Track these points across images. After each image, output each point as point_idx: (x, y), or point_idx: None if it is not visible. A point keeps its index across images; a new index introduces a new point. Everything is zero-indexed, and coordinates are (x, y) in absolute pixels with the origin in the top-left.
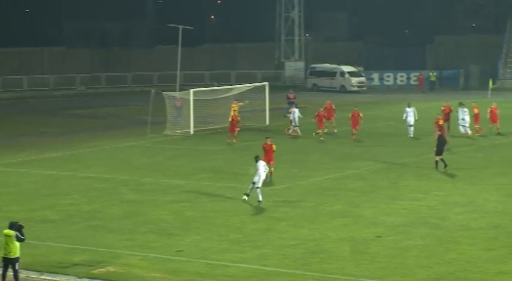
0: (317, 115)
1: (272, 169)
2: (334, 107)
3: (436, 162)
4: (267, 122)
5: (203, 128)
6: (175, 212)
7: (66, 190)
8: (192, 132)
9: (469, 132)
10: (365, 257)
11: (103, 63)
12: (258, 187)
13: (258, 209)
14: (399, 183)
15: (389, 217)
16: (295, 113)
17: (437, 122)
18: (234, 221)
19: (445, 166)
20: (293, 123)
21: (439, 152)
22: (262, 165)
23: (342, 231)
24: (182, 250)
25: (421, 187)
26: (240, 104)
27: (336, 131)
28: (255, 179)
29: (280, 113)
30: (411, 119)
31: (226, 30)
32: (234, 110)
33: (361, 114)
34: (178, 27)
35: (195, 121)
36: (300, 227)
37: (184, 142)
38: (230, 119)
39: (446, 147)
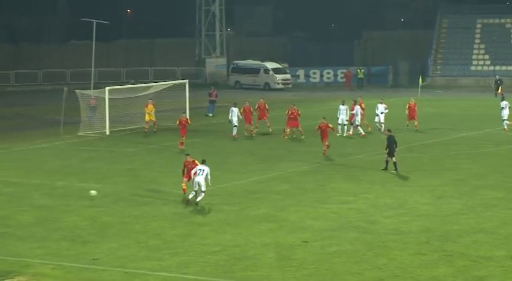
0: (243, 111)
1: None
2: (267, 107)
3: (387, 162)
4: (188, 122)
5: (120, 129)
6: (90, 217)
7: None
8: (108, 132)
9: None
10: (291, 263)
11: (11, 59)
12: (203, 191)
13: (178, 215)
14: (327, 185)
15: (316, 221)
16: (234, 112)
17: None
18: (153, 226)
19: (395, 168)
20: (233, 124)
21: (391, 153)
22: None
23: (266, 236)
24: (98, 258)
25: (350, 189)
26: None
27: (271, 130)
28: (196, 188)
29: (201, 112)
30: (344, 118)
31: (143, 24)
32: (149, 113)
33: (299, 112)
34: (92, 22)
35: (111, 121)
36: (223, 232)
37: (100, 143)
38: (178, 122)
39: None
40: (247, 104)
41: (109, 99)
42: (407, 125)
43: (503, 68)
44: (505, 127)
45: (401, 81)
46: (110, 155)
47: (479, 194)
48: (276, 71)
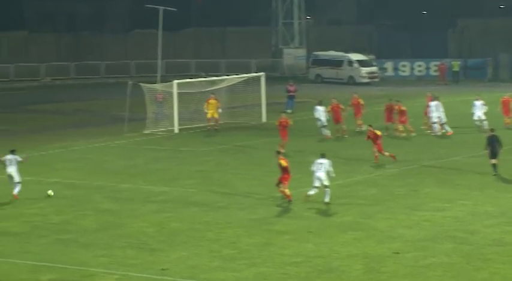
0: (331, 109)
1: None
2: (362, 103)
3: (494, 165)
4: (264, 119)
5: (189, 126)
6: (158, 223)
7: (31, 198)
8: (176, 130)
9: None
10: (380, 277)
11: (71, 50)
12: (326, 186)
13: (255, 221)
14: (419, 190)
15: (408, 230)
16: (319, 111)
17: None
18: (227, 234)
19: (494, 171)
20: (320, 123)
21: (493, 154)
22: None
23: (353, 246)
24: (167, 269)
25: (445, 195)
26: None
27: (363, 128)
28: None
29: (279, 108)
30: (480, 115)
31: (214, 11)
32: (210, 110)
33: (402, 108)
34: (158, 9)
35: (179, 118)
36: (304, 241)
37: (168, 142)
38: (278, 124)
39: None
40: (334, 101)
41: (178, 93)
42: (507, 123)
43: None
44: None
45: (502, 76)
46: (179, 155)
47: None
48: (361, 63)
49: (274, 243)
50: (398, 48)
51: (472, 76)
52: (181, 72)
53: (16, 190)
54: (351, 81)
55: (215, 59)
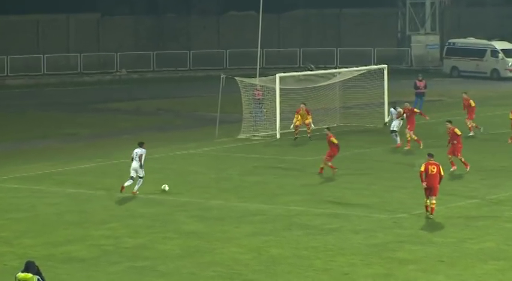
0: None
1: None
2: (473, 104)
3: None
4: (387, 121)
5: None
6: (254, 249)
7: (101, 217)
8: (278, 135)
9: None
10: None
11: (152, 37)
12: None
13: (374, 247)
14: None
15: None
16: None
17: None
18: (339, 263)
19: None
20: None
21: None
22: None
23: (495, 279)
24: None
25: None
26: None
27: (481, 130)
28: None
29: None
30: None
31: None
32: (298, 120)
33: None
34: None
35: (283, 120)
36: (435, 273)
37: (268, 150)
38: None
39: None
40: (407, 105)
41: (281, 90)
42: None
43: None
44: None
45: None
46: (281, 165)
47: None
48: (509, 53)
49: (397, 274)
50: None
51: None
52: (286, 63)
53: (136, 187)
54: (495, 76)
55: (327, 48)
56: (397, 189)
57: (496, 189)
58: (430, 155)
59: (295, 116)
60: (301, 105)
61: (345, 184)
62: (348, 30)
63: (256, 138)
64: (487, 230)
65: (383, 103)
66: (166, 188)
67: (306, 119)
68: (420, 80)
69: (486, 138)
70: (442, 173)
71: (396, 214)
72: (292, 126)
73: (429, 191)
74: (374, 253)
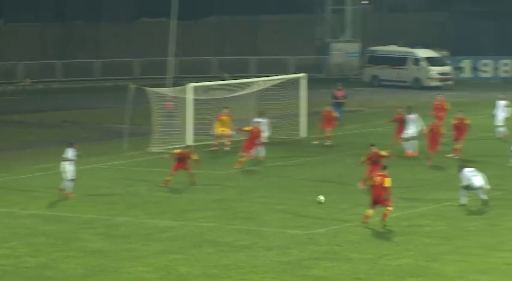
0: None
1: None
2: (446, 108)
3: None
4: (303, 134)
5: (207, 143)
6: (162, 267)
7: (1, 235)
8: None
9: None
10: None
11: (59, 45)
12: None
13: (287, 264)
14: (499, 225)
15: (484, 275)
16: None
17: None
18: None
19: None
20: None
21: None
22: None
23: None
24: None
25: None
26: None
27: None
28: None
29: None
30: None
31: None
32: (222, 128)
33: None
34: None
35: (195, 132)
36: None
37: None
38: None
39: None
40: (399, 110)
41: (194, 101)
42: None
43: None
44: None
45: None
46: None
47: None
48: (431, 61)
49: None
50: (480, 42)
51: None
52: (200, 73)
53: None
54: (417, 85)
55: (243, 56)
56: (313, 204)
57: (415, 203)
58: (384, 167)
59: (216, 122)
60: (224, 109)
61: (258, 199)
62: (264, 37)
63: (166, 151)
64: (405, 245)
65: (300, 114)
66: (322, 198)
67: (227, 127)
68: (339, 90)
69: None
70: (387, 185)
71: (311, 230)
72: (213, 134)
73: (375, 203)
74: (288, 271)
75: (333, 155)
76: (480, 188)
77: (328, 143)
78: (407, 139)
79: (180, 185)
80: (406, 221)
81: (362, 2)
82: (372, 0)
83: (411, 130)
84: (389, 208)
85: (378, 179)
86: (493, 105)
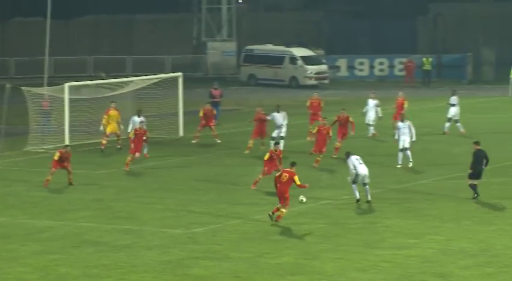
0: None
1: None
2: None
3: (474, 186)
4: (181, 133)
5: (85, 142)
6: (41, 268)
7: None
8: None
9: None
10: None
11: None
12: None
13: (167, 263)
14: (378, 223)
15: (363, 273)
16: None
17: None
18: None
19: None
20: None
21: (477, 173)
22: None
23: None
24: None
25: (411, 228)
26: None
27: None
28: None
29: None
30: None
31: None
32: (110, 123)
33: (350, 119)
34: None
35: (72, 131)
36: None
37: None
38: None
39: None
40: (259, 109)
41: (70, 100)
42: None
43: None
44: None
45: (485, 75)
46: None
47: None
48: (307, 60)
49: None
50: (355, 41)
51: (448, 76)
52: (76, 72)
53: None
54: (294, 84)
55: (119, 55)
56: (192, 203)
57: (293, 202)
58: (292, 164)
59: (104, 117)
60: (112, 104)
61: (137, 198)
62: (140, 37)
63: (43, 151)
64: (285, 244)
65: (177, 113)
66: (304, 199)
67: (115, 122)
68: (215, 89)
69: (284, 150)
70: (298, 183)
71: (191, 229)
72: (102, 130)
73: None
74: (168, 270)
75: (211, 154)
76: (365, 176)
77: (215, 139)
78: (275, 138)
79: (58, 185)
80: (285, 220)
81: (238, 1)
82: None
83: (281, 129)
84: (284, 210)
85: (285, 176)
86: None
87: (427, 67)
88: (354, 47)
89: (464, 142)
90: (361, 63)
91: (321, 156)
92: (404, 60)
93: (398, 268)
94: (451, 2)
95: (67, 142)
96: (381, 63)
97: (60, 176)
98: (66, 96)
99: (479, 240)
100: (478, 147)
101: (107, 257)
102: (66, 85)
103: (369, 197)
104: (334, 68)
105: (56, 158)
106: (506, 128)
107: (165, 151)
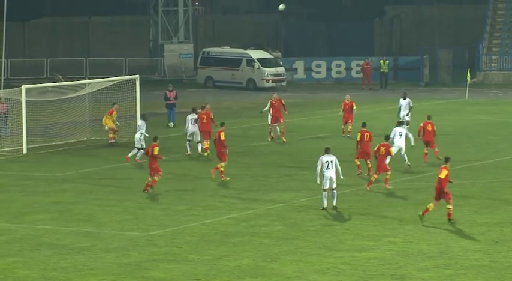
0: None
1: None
2: (284, 103)
3: None
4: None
5: (42, 144)
6: (0, 271)
7: None
8: (25, 150)
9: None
10: None
11: None
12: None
13: (127, 266)
14: (337, 225)
15: (322, 275)
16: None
17: None
18: None
19: None
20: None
21: None
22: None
23: None
24: None
25: (370, 230)
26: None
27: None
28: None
29: (160, 120)
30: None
31: None
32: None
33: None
34: None
35: (29, 134)
36: None
37: (14, 166)
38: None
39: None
40: (207, 107)
41: (27, 102)
42: (344, 132)
43: None
44: None
45: (441, 78)
46: (28, 182)
47: None
48: (264, 62)
49: None
50: (312, 43)
51: (404, 79)
52: (33, 74)
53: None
54: (251, 86)
55: (76, 58)
56: (151, 205)
57: (253, 204)
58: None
59: (106, 118)
60: (114, 105)
61: (95, 201)
62: (97, 39)
63: (0, 154)
64: (243, 246)
65: (135, 115)
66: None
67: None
68: (171, 91)
69: (241, 152)
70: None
71: (150, 232)
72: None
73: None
74: (127, 273)
75: (167, 156)
76: (330, 179)
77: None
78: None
79: (16, 187)
80: (244, 222)
81: (195, 4)
82: (204, 1)
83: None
84: (450, 207)
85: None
86: (325, 105)
87: (384, 69)
88: (311, 49)
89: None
90: (318, 66)
91: None
92: (361, 62)
93: (358, 270)
94: (408, 4)
95: (25, 145)
96: (338, 66)
97: (19, 179)
98: (23, 99)
99: (437, 242)
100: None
101: (66, 260)
102: (23, 87)
103: (334, 203)
104: (291, 70)
105: None
106: (463, 130)
107: (123, 153)
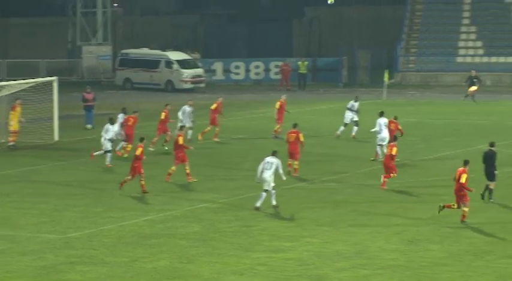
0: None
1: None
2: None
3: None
4: (56, 137)
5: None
6: None
7: None
8: None
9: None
10: None
11: None
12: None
13: (43, 269)
14: (253, 226)
15: (239, 276)
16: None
17: None
18: None
19: (485, 196)
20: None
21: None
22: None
23: None
24: None
25: (286, 231)
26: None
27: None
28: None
29: (78, 122)
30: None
31: None
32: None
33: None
34: None
35: None
36: None
37: None
38: None
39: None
40: (135, 114)
41: None
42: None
43: (502, 59)
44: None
45: (360, 79)
46: None
47: (465, 237)
48: (183, 64)
49: None
50: (231, 44)
51: (323, 80)
52: None
53: None
54: (170, 88)
55: None
56: (68, 208)
57: (170, 205)
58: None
59: (12, 114)
60: (17, 101)
61: (11, 203)
62: (15, 40)
63: None
64: (160, 248)
65: (52, 117)
66: None
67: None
68: (88, 93)
69: (160, 153)
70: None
71: (66, 234)
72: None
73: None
74: (43, 275)
75: (86, 158)
76: (266, 181)
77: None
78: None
79: None
80: (160, 224)
81: (113, 5)
82: (123, 3)
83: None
84: (465, 209)
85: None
86: (244, 107)
87: (303, 70)
88: (230, 51)
89: (345, 144)
90: (237, 67)
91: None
92: (280, 63)
93: (275, 271)
94: (327, 6)
95: None
96: (257, 67)
97: None
98: None
99: (354, 243)
100: (492, 148)
101: None
102: None
103: (274, 202)
104: (210, 71)
105: None
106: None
107: (40, 155)
